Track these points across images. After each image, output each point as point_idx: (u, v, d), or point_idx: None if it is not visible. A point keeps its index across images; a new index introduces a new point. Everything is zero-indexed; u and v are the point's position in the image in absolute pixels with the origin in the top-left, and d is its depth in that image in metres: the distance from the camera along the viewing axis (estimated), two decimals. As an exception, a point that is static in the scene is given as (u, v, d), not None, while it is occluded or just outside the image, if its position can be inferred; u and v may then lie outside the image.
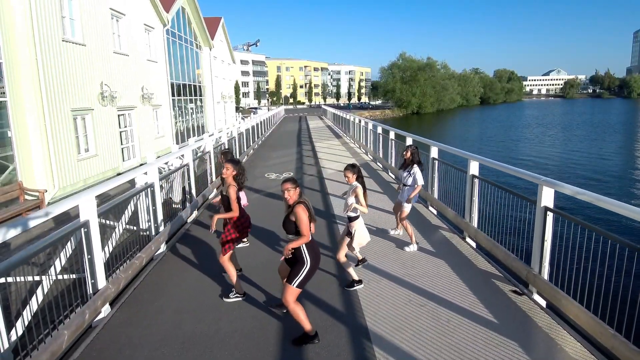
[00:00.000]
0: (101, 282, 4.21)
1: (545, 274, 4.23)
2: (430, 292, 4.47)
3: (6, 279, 3.45)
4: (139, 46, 16.62)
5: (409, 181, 5.93)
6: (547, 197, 4.20)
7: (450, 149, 7.16)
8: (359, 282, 4.57)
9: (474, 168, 6.01)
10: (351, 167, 4.61)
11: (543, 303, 4.23)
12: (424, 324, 3.86)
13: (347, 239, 4.63)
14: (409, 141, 9.50)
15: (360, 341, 3.63)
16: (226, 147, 12.02)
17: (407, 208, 5.85)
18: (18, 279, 3.57)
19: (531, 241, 4.49)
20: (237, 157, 13.71)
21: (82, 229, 3.99)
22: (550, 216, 4.15)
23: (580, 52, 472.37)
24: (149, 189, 5.72)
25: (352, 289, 4.52)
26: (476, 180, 5.92)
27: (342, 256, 4.59)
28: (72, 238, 3.93)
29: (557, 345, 3.52)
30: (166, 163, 7.29)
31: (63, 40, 11.20)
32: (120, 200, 5.08)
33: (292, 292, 3.50)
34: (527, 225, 4.61)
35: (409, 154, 6.07)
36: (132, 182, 5.93)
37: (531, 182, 4.57)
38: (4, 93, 9.52)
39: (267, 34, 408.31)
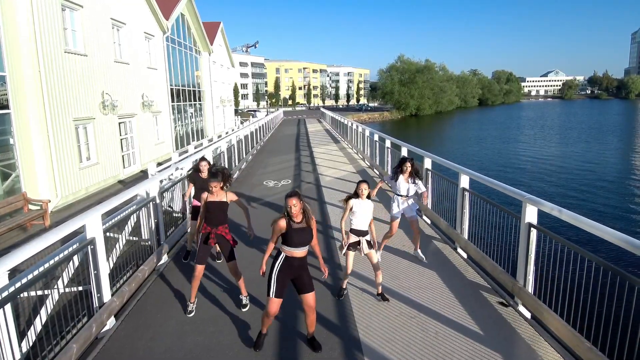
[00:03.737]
0: (106, 295, 4.42)
1: (530, 287, 4.44)
2: (420, 303, 4.68)
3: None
4: (139, 54, 16.85)
5: (412, 192, 5.93)
6: (530, 214, 4.42)
7: (442, 162, 7.37)
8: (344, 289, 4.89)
9: (464, 181, 6.22)
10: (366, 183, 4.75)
11: (528, 315, 4.44)
12: (414, 335, 4.06)
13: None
14: (404, 151, 9.72)
15: (353, 353, 3.84)
16: (225, 154, 12.18)
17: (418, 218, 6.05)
18: (26, 293, 3.78)
19: (517, 255, 4.70)
20: (237, 163, 13.91)
21: (89, 246, 4.20)
22: (533, 232, 4.37)
23: (578, 53, 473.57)
24: (150, 203, 5.92)
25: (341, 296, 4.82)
26: (466, 193, 6.14)
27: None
28: (78, 253, 4.14)
29: (538, 357, 3.74)
30: (169, 176, 7.48)
31: (65, 52, 11.42)
32: (123, 215, 5.31)
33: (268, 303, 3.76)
34: (514, 239, 4.82)
35: (411, 167, 5.93)
36: (134, 196, 6.14)
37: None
38: (7, 105, 9.73)
39: (266, 36, 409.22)
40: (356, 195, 4.71)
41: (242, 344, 4.02)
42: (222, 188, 4.66)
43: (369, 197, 4.73)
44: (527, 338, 4.02)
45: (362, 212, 4.67)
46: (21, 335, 3.46)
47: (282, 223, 3.69)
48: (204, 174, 5.98)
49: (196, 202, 6.04)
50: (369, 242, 4.73)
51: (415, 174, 5.92)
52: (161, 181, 7.62)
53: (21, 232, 8.99)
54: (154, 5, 17.98)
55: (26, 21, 10.07)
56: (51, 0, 10.85)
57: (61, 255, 4.05)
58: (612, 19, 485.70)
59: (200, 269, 4.58)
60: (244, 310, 4.63)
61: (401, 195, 5.90)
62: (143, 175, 15.25)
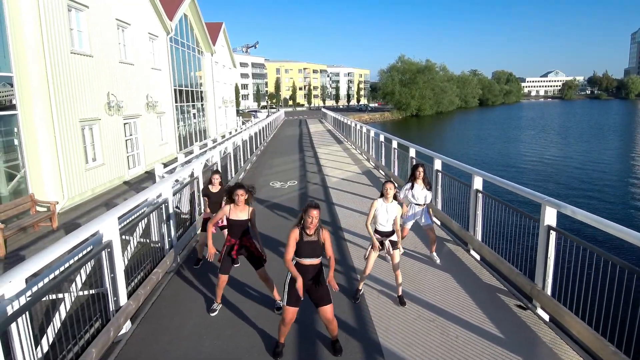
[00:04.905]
0: (123, 299, 4.39)
1: (549, 290, 4.41)
2: (438, 307, 4.65)
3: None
4: (143, 55, 16.82)
5: (428, 199, 5.91)
6: (550, 217, 4.39)
7: (453, 163, 7.33)
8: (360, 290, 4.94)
9: (477, 183, 6.19)
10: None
11: (547, 317, 4.41)
12: (434, 339, 4.04)
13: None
14: (412, 152, 9.69)
15: (373, 357, 3.81)
16: (231, 155, 12.14)
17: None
18: (45, 297, 3.74)
19: (535, 257, 4.66)
20: (242, 164, 13.89)
21: (106, 249, 4.17)
22: (553, 235, 4.34)
23: (578, 54, 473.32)
24: (163, 205, 5.89)
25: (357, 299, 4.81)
26: (480, 195, 6.10)
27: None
28: (95, 256, 4.11)
29: (560, 360, 3.71)
30: (176, 181, 7.45)
31: (71, 52, 11.38)
32: (138, 217, 5.28)
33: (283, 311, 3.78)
34: (531, 241, 4.78)
35: (423, 172, 5.90)
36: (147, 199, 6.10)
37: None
38: (14, 106, 9.70)
39: (266, 36, 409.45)
40: (382, 195, 4.70)
41: (261, 348, 4.00)
42: (246, 202, 4.55)
43: (395, 198, 4.68)
44: (547, 341, 3.99)
45: (384, 213, 4.66)
46: (39, 339, 3.43)
47: (296, 233, 3.68)
48: (215, 187, 6.01)
49: (206, 215, 6.12)
50: (392, 242, 4.71)
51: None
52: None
53: (29, 234, 8.95)
54: (158, 6, 17.96)
55: (33, 22, 10.03)
56: (58, 1, 10.82)
57: (76, 258, 4.03)
58: (612, 19, 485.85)
59: (223, 278, 4.62)
60: (278, 313, 4.57)
61: (419, 204, 5.88)
62: (148, 176, 15.22)
